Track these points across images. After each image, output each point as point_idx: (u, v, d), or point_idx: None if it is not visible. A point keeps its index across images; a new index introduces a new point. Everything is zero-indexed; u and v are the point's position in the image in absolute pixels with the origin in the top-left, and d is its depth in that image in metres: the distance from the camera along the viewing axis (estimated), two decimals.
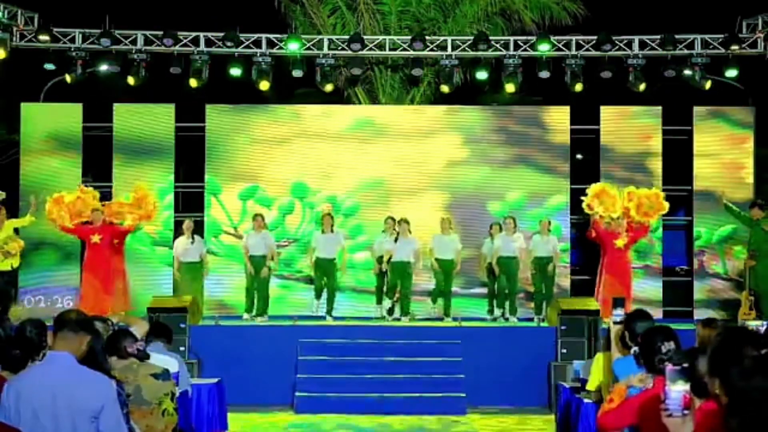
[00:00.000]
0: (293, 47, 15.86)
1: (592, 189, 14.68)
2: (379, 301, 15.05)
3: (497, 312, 14.90)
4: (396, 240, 14.53)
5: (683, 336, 4.80)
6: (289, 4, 18.15)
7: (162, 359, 6.77)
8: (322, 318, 14.40)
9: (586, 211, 14.63)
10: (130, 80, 15.79)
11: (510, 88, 16.04)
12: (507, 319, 14.62)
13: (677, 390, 3.20)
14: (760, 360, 3.08)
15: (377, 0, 18.00)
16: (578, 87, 15.88)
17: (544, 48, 15.80)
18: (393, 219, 14.93)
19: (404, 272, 14.44)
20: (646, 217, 14.50)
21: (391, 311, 14.79)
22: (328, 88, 16.17)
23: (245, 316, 14.38)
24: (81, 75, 15.81)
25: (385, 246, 14.66)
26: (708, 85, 15.85)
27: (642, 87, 15.85)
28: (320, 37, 16.51)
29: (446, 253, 14.73)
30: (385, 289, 14.91)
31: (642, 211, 14.44)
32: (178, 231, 15.79)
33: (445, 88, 16.17)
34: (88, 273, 14.14)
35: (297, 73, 16.05)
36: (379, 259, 14.87)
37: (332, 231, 14.68)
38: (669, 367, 3.32)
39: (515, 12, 17.83)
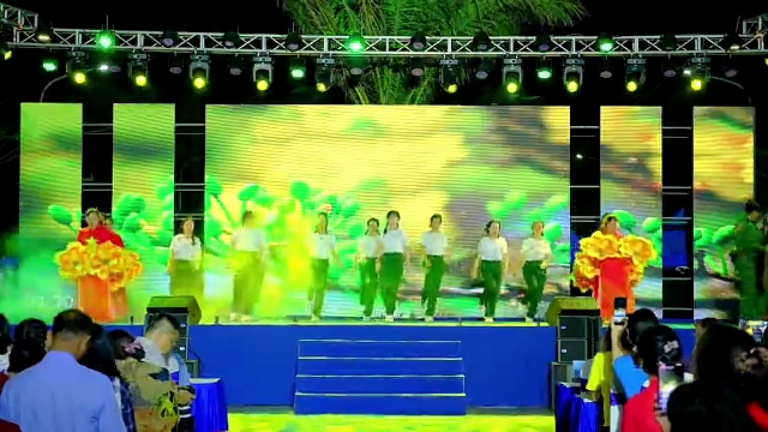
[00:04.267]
0: (294, 47, 15.88)
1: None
2: (368, 311, 14.92)
3: (480, 311, 14.93)
4: (385, 232, 14.54)
5: (683, 336, 4.79)
6: (290, 4, 18.14)
7: (162, 359, 6.77)
8: (322, 317, 14.43)
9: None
10: (135, 80, 15.77)
11: (512, 88, 16.05)
12: (483, 320, 14.64)
13: (670, 389, 3.20)
14: (697, 385, 3.08)
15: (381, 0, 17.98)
16: (572, 87, 15.90)
17: (543, 48, 15.82)
18: (376, 221, 14.91)
19: (395, 264, 14.44)
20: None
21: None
22: (321, 87, 16.16)
23: (232, 315, 14.23)
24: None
25: (377, 240, 14.62)
26: (700, 84, 15.83)
27: (632, 86, 15.84)
28: (320, 37, 16.51)
29: (438, 250, 14.74)
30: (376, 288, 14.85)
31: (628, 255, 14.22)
32: (178, 231, 15.79)
33: (452, 88, 16.15)
34: (83, 277, 14.09)
35: (297, 73, 16.06)
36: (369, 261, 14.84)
37: (326, 232, 14.70)
38: (662, 366, 3.33)
39: (526, 5, 17.72)
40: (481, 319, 14.93)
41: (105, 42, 15.64)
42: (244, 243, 14.35)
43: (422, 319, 14.72)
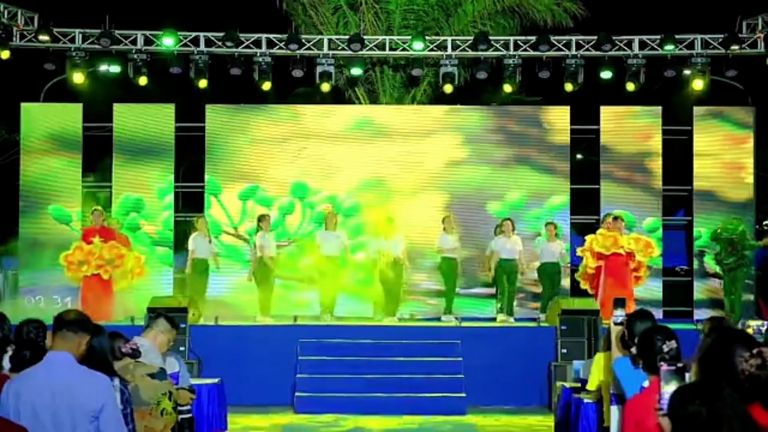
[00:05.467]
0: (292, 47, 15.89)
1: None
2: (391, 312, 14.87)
3: (500, 316, 14.86)
4: (387, 239, 14.53)
5: (683, 336, 4.79)
6: (290, 4, 18.14)
7: (162, 359, 6.77)
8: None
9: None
10: (138, 80, 15.76)
11: (507, 88, 16.07)
12: (494, 319, 14.61)
13: (671, 390, 3.20)
14: (697, 385, 3.08)
15: None
16: (569, 87, 15.91)
17: (544, 48, 15.83)
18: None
19: (395, 270, 14.44)
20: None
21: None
22: (325, 87, 16.18)
23: (259, 317, 14.27)
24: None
25: (380, 245, 14.62)
26: (700, 84, 15.85)
27: (632, 86, 15.85)
28: (320, 37, 16.51)
29: (452, 251, 14.73)
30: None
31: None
32: (178, 231, 15.80)
33: (448, 88, 16.16)
34: (88, 276, 14.10)
35: (297, 73, 16.07)
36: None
37: (335, 229, 14.69)
38: (663, 367, 3.32)
39: (525, 10, 17.70)
40: (485, 319, 14.90)
41: (105, 42, 15.65)
42: (269, 249, 14.42)
43: (438, 318, 14.69)
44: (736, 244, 15.11)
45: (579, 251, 14.40)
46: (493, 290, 15.13)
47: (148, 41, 15.95)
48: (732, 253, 15.04)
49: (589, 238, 14.33)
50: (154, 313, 12.12)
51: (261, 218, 14.74)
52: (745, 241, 15.19)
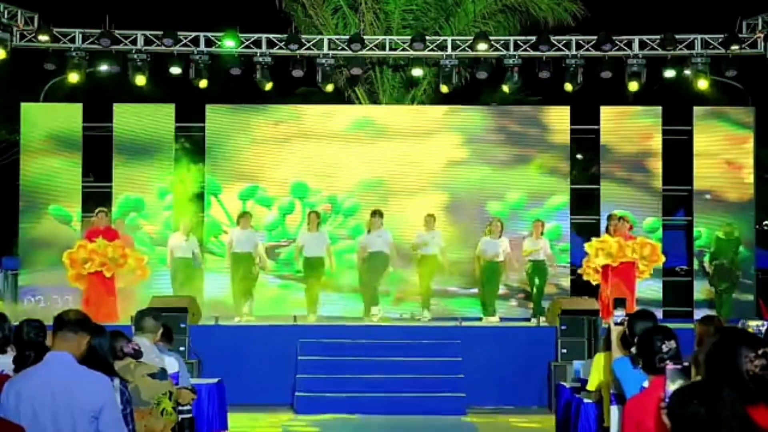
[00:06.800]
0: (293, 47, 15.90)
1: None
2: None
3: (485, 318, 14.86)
4: (369, 232, 14.53)
5: (683, 336, 4.79)
6: (289, 4, 18.14)
7: (162, 359, 6.78)
8: (322, 317, 14.42)
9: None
10: (137, 80, 15.77)
11: (507, 88, 16.08)
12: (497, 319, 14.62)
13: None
14: (696, 386, 3.08)
15: None
16: (569, 87, 15.90)
17: (544, 48, 15.83)
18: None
19: (378, 263, 14.41)
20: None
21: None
22: (329, 88, 16.20)
23: (236, 319, 14.26)
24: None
25: (361, 240, 14.63)
26: (700, 84, 15.85)
27: (632, 86, 15.85)
28: (320, 37, 16.52)
29: (428, 249, 14.72)
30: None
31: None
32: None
33: (444, 88, 16.18)
34: (92, 275, 14.11)
35: (297, 73, 16.07)
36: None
37: (317, 230, 14.67)
38: (669, 365, 3.32)
39: (526, 7, 17.68)
40: (480, 319, 14.92)
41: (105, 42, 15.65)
42: (240, 245, 14.39)
43: (419, 319, 14.70)
44: (728, 270, 15.29)
45: (585, 265, 14.39)
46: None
47: (148, 41, 15.95)
48: (724, 279, 15.23)
49: (591, 249, 14.26)
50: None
51: (240, 215, 14.79)
52: (738, 263, 15.38)
